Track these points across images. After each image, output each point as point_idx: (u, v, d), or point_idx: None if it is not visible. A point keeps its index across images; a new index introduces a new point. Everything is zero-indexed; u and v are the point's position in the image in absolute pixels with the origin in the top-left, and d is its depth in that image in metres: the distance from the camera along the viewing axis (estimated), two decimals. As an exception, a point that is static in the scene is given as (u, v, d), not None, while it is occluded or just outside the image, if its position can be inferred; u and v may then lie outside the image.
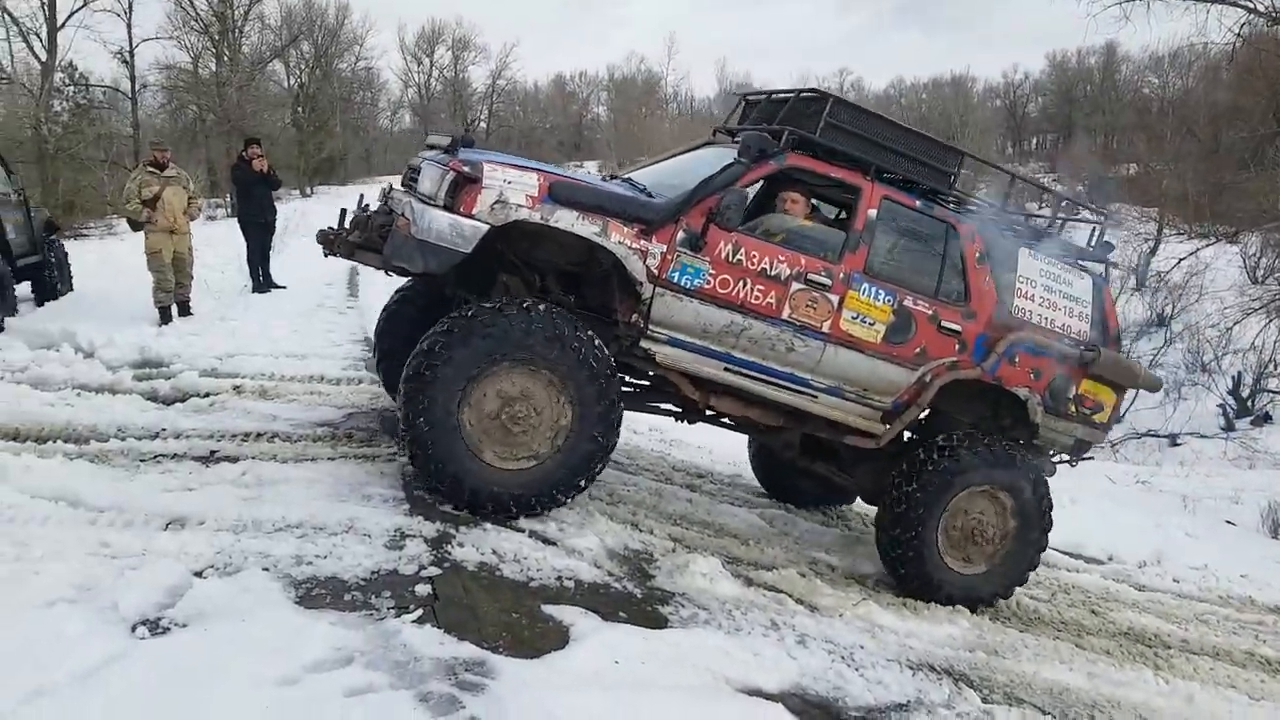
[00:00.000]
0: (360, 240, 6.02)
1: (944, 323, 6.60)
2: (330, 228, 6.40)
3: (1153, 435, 22.19)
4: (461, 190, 5.49)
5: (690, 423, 7.18)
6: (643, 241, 5.80)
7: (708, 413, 6.80)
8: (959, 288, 6.68)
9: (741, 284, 6.01)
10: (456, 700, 3.72)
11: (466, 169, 5.51)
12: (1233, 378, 23.49)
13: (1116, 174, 71.02)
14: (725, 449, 10.24)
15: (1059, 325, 6.97)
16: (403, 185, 6.47)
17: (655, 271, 5.89)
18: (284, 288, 16.44)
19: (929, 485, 6.58)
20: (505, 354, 5.43)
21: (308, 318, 14.03)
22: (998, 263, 6.82)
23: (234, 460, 6.39)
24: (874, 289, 6.35)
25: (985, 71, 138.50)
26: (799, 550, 7.48)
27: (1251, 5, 17.47)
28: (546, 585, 5.20)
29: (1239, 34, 18.55)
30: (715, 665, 4.62)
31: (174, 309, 12.99)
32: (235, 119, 39.14)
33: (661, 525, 6.91)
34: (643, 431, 10.78)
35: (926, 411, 6.85)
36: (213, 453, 6.62)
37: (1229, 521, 17.11)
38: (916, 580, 6.85)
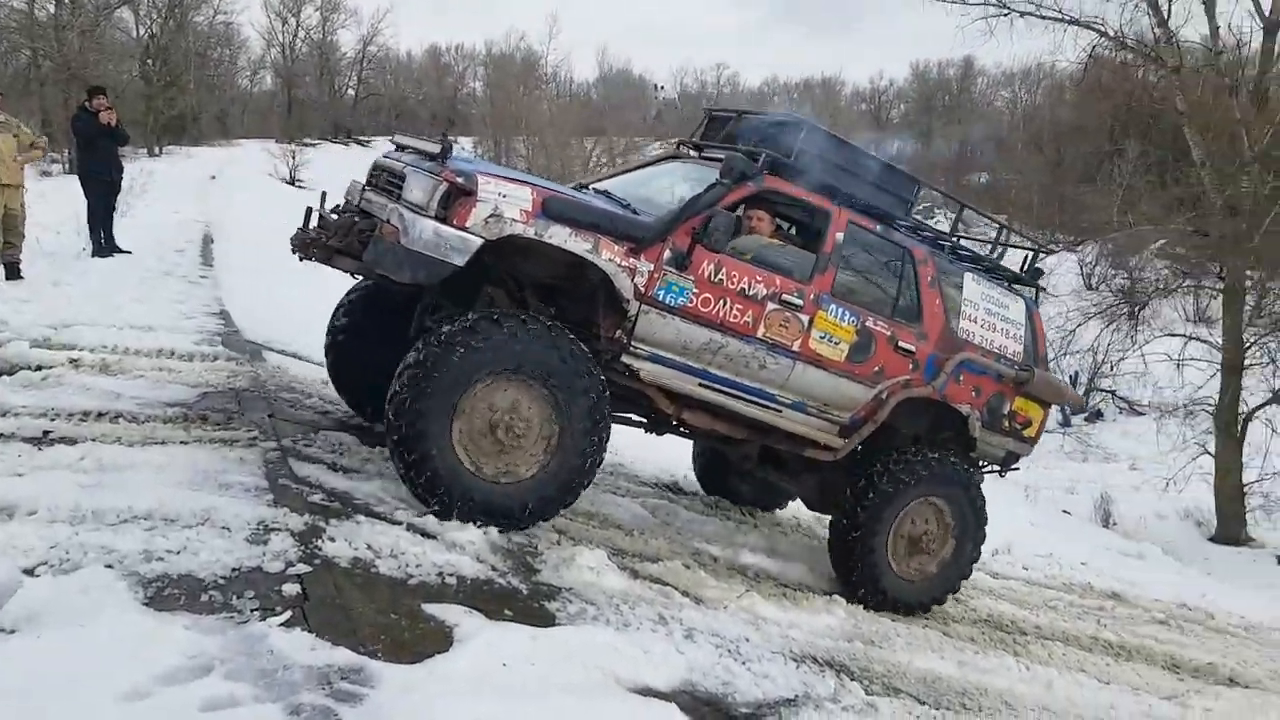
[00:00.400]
0: (340, 245, 5.83)
1: (900, 343, 6.93)
2: (302, 230, 6.21)
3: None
4: (455, 202, 5.40)
5: (659, 434, 7.28)
6: (632, 259, 5.85)
7: (676, 425, 6.92)
8: (913, 309, 7.06)
9: (722, 303, 6.16)
10: (331, 712, 3.40)
11: (460, 180, 5.41)
12: (1070, 376, 24.93)
13: (970, 182, 74.87)
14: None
15: (997, 346, 7.42)
16: (367, 184, 6.29)
17: (641, 289, 5.94)
18: (128, 253, 15.19)
19: (884, 495, 6.90)
20: (502, 366, 5.41)
21: (154, 286, 12.98)
22: (946, 286, 7.23)
23: (71, 442, 5.73)
24: (840, 310, 6.63)
25: (855, 76, 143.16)
26: (682, 541, 7.40)
27: (1103, 28, 18.50)
28: (427, 582, 4.87)
29: (1090, 54, 19.60)
30: (605, 663, 4.44)
31: (1, 271, 11.85)
32: (76, 67, 36.26)
33: (543, 516, 6.70)
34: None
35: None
36: (46, 433, 5.94)
37: (1066, 511, 18.21)
38: (867, 585, 7.14)
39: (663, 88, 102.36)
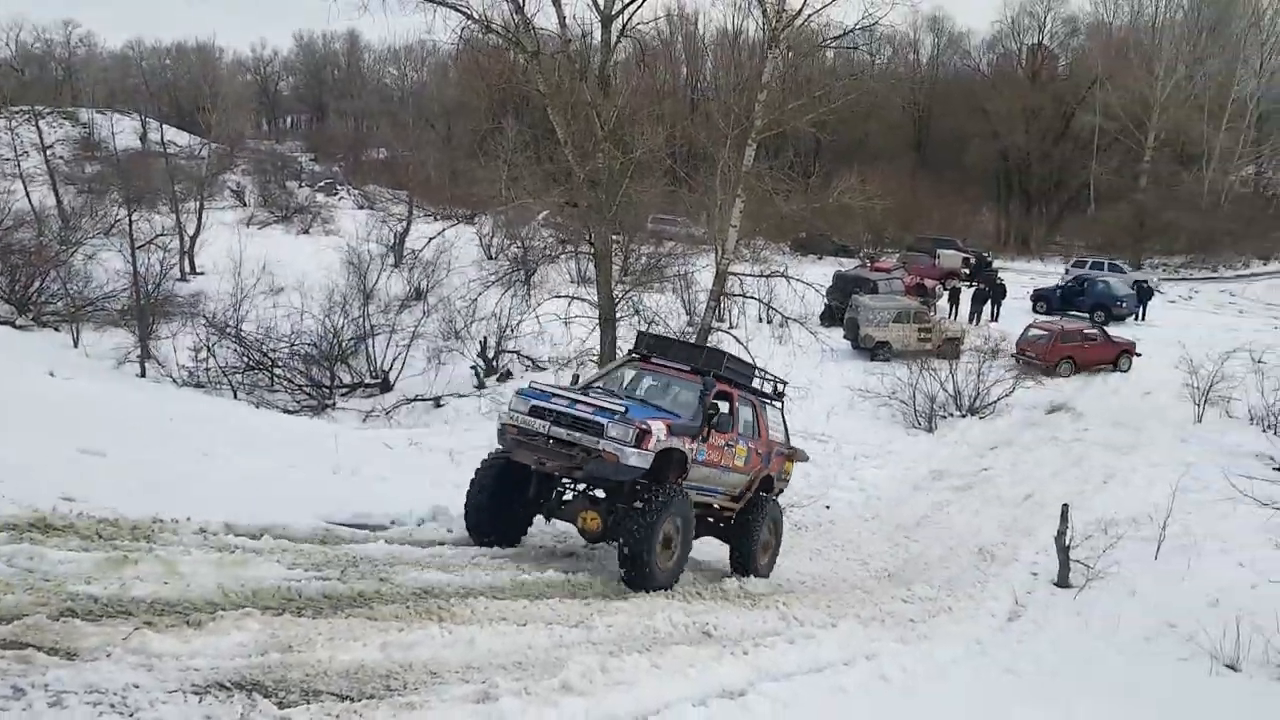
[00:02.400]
0: (567, 464, 10.29)
1: (757, 450, 12.59)
2: (524, 446, 10.53)
3: (420, 399, 24.04)
4: (643, 438, 10.00)
5: None
6: (690, 443, 10.89)
7: None
8: (756, 431, 12.76)
9: (714, 453, 11.44)
10: None
11: (645, 427, 10.04)
12: (480, 342, 26.55)
13: (369, 158, 75.56)
14: None
15: (778, 439, 13.42)
16: (550, 421, 10.35)
17: (692, 455, 10.91)
18: None
19: (754, 524, 12.60)
20: (673, 512, 10.38)
21: None
22: (763, 414, 13.10)
23: None
24: (743, 441, 12.22)
25: (233, 43, 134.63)
26: (53, 588, 6.29)
27: (469, 11, 19.43)
28: None
29: (460, 35, 20.57)
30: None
31: None
32: None
33: None
34: None
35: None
36: None
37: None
38: (747, 569, 12.41)
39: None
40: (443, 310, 28.32)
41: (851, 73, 40.46)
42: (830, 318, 31.17)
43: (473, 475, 11.16)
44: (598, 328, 20.72)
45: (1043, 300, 36.75)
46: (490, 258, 38.60)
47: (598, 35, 20.78)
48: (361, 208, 54.12)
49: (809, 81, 26.96)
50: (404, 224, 41.05)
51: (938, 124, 66.64)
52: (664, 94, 54.43)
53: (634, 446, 9.76)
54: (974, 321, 33.14)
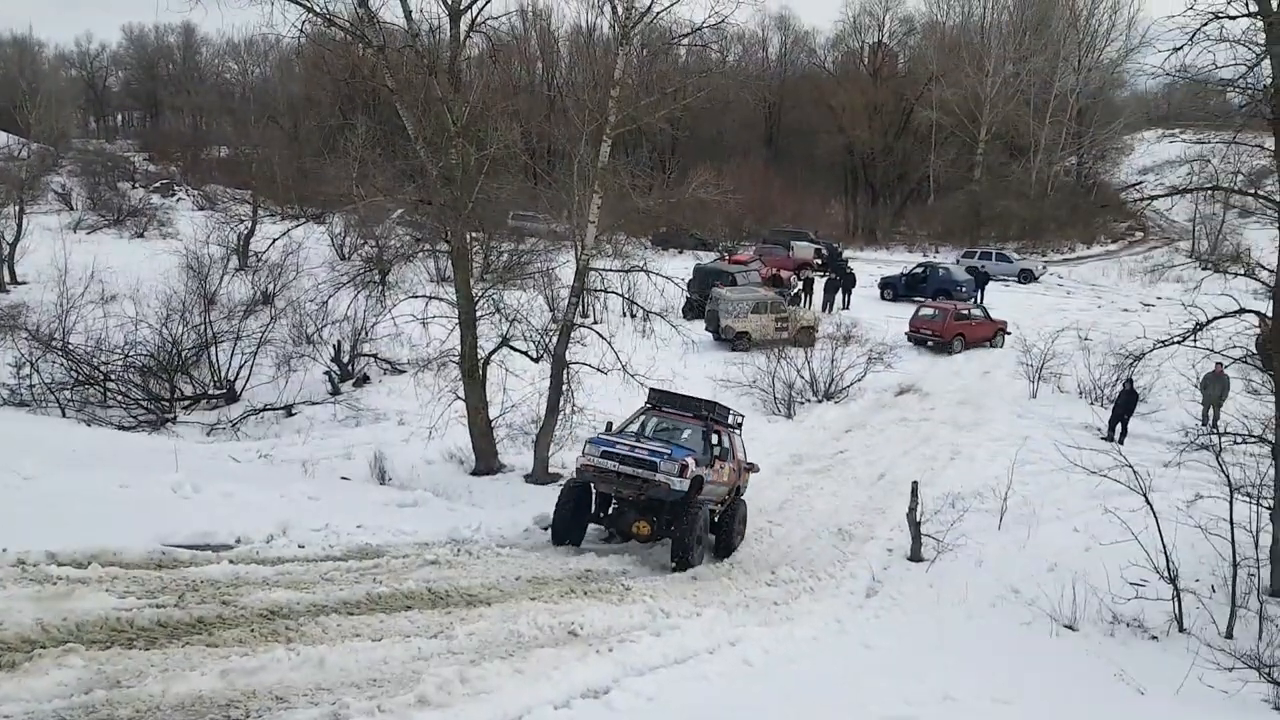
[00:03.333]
0: (638, 493, 13.99)
1: (733, 467, 16.10)
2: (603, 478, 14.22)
3: (270, 409, 22.99)
4: (683, 470, 13.89)
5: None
6: (704, 470, 14.59)
7: None
8: (731, 452, 16.10)
9: (714, 474, 15.11)
10: None
11: (685, 463, 13.95)
12: (334, 346, 25.59)
13: (209, 157, 72.03)
14: None
15: (741, 457, 16.73)
16: (617, 460, 14.06)
17: (705, 478, 14.69)
18: None
19: (732, 518, 15.70)
20: (703, 519, 14.68)
21: None
22: (735, 439, 16.54)
23: None
24: (725, 463, 15.70)
25: (55, 36, 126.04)
26: None
27: (309, 4, 18.65)
28: None
29: (301, 30, 19.72)
30: None
31: None
32: None
33: None
34: None
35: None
36: None
37: (344, 477, 18.68)
38: (729, 550, 15.46)
39: None
40: (292, 314, 27.17)
41: (703, 70, 41.01)
42: (692, 310, 31.56)
43: (557, 497, 14.79)
44: (457, 328, 20.29)
45: (889, 287, 38.24)
46: (343, 258, 37.34)
47: (447, 30, 20.33)
48: (201, 209, 51.44)
49: (662, 78, 27.15)
50: (248, 225, 39.26)
51: (788, 119, 68.39)
52: (519, 90, 54.08)
53: (678, 477, 13.83)
54: (827, 310, 34.15)
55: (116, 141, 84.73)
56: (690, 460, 14.03)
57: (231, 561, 9.63)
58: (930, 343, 29.99)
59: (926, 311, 31.07)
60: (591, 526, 15.19)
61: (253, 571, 9.33)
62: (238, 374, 24.48)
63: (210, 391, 24.37)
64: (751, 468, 17.10)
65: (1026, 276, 44.23)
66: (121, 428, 21.55)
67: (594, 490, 14.59)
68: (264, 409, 23.00)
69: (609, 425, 16.07)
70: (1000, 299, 37.69)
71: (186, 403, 23.88)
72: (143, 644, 6.51)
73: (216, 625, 7.29)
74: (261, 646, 6.83)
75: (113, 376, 23.30)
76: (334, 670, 6.52)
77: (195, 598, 8.06)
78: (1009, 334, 30.57)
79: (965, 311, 31.22)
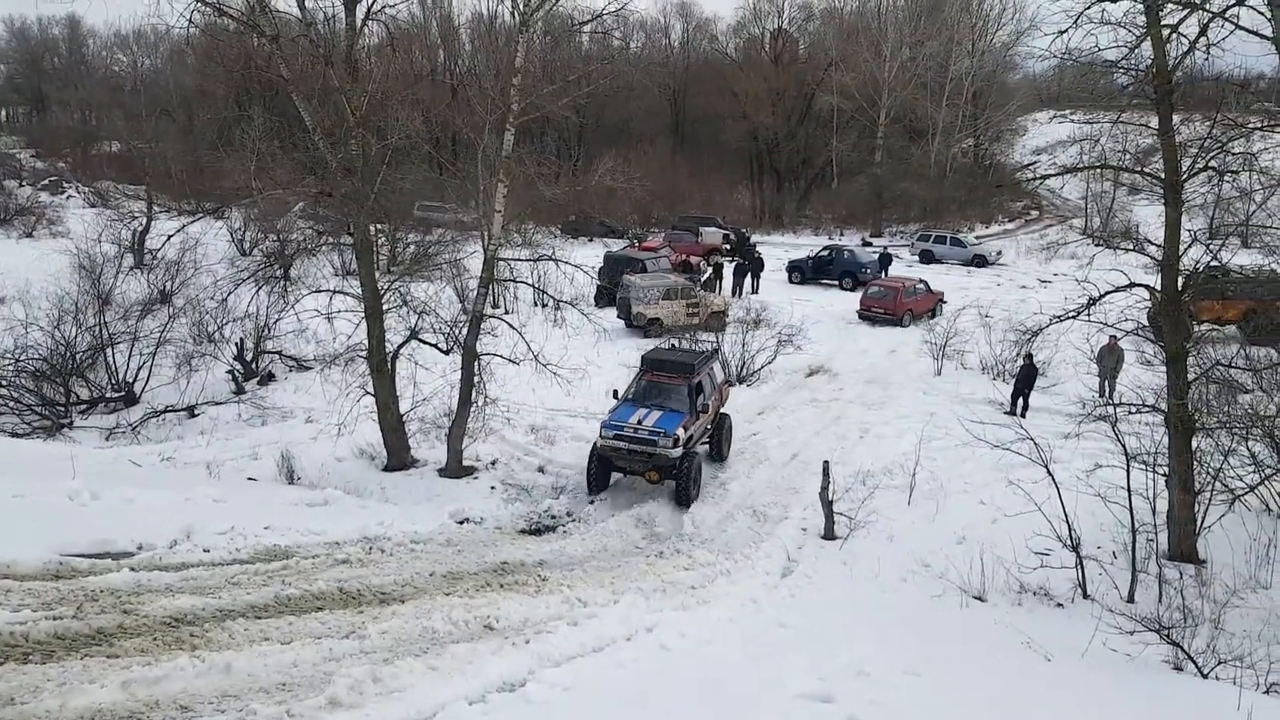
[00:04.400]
0: (645, 465, 17.15)
1: (715, 394, 19.34)
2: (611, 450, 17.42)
3: (171, 410, 22.24)
4: (676, 441, 16.91)
5: None
6: (693, 422, 17.72)
7: None
8: (713, 385, 19.48)
9: (701, 419, 18.26)
10: None
11: (678, 435, 16.95)
12: (236, 344, 24.85)
13: (100, 152, 69.02)
14: None
15: (720, 380, 20.13)
16: (619, 440, 17.26)
17: (694, 429, 17.90)
18: None
19: (724, 429, 19.70)
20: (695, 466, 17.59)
21: None
22: (717, 369, 20.24)
23: None
24: (709, 403, 18.76)
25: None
26: None
27: (193, -8, 17.93)
28: None
29: (190, 20, 19.00)
30: None
31: None
32: None
33: None
34: None
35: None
36: None
37: (251, 478, 18.20)
38: (719, 454, 19.39)
39: None
40: (192, 312, 26.28)
41: (606, 57, 40.95)
42: (603, 298, 31.57)
43: (586, 462, 17.87)
44: (364, 322, 19.91)
45: (797, 270, 38.87)
46: (244, 253, 36.29)
47: (344, 19, 19.86)
48: (93, 206, 49.33)
49: (565, 66, 27.02)
50: (143, 221, 37.80)
51: (693, 106, 68.71)
52: (420, 79, 53.13)
53: (673, 447, 16.92)
54: (736, 294, 34.53)
55: (1, 138, 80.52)
56: (680, 430, 17.14)
57: (133, 569, 9.33)
58: (880, 319, 31.63)
59: (875, 290, 32.73)
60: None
61: (155, 579, 9.04)
62: (136, 376, 23.63)
63: (108, 395, 23.48)
64: (729, 383, 21.76)
65: (979, 262, 43.90)
66: (14, 435, 20.63)
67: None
68: (165, 411, 22.25)
69: (615, 392, 19.16)
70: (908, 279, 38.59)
71: (83, 407, 22.96)
72: (39, 658, 6.27)
73: (117, 635, 7.06)
74: (165, 655, 6.64)
75: (3, 382, 22.23)
76: (241, 676, 6.38)
77: (95, 608, 7.79)
78: (945, 303, 32.73)
79: (911, 288, 32.85)
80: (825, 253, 39.44)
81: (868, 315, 32.11)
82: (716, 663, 8.58)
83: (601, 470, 17.81)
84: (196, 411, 22.57)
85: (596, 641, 8.23)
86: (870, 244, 46.70)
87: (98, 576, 8.91)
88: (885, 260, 39.46)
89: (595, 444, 17.79)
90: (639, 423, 17.37)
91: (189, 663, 6.45)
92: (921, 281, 34.33)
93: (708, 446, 19.21)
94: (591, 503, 17.05)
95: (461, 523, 15.05)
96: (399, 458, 19.23)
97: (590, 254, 36.99)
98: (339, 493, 16.51)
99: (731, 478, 18.51)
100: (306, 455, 18.80)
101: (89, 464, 16.77)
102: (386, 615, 8.39)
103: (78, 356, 23.47)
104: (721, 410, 19.96)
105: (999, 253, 46.05)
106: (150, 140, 53.90)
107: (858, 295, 35.89)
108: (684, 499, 17.12)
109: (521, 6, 18.62)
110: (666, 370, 18.81)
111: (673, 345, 22.67)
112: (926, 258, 43.17)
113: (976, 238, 47.70)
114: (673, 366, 18.88)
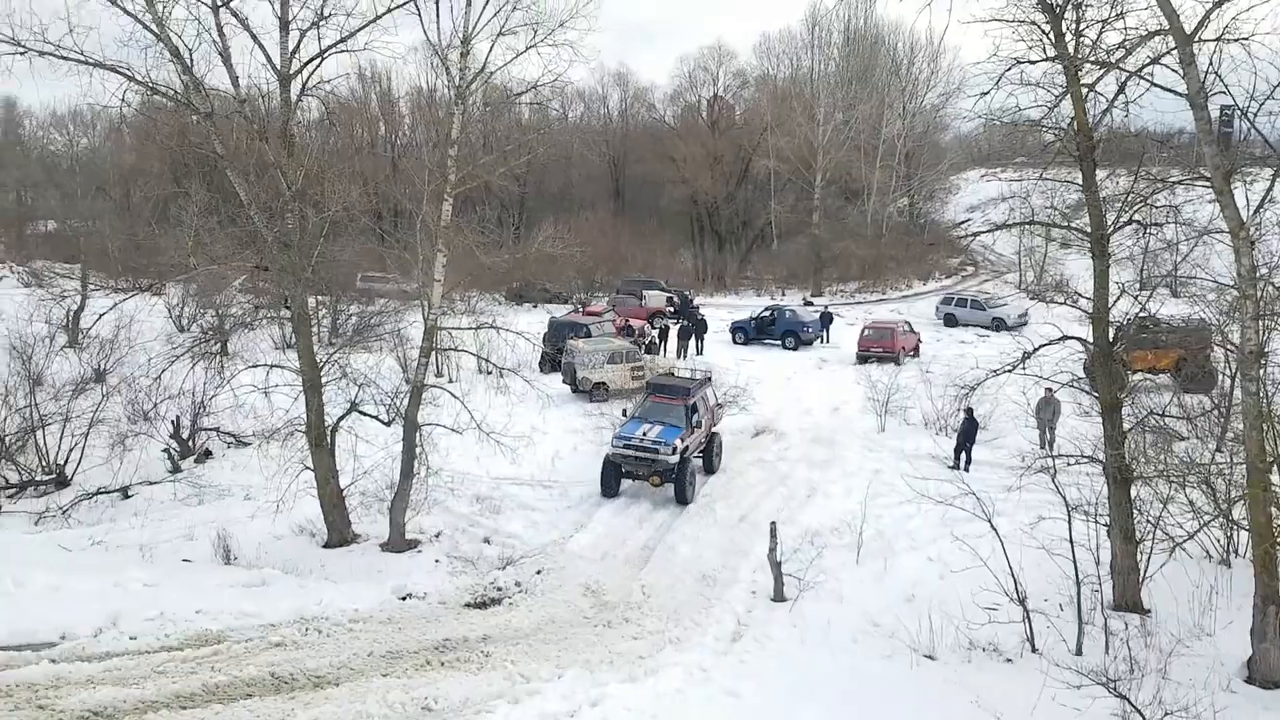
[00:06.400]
0: (649, 472, 20.62)
1: (708, 415, 22.77)
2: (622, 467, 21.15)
3: (104, 492, 21.55)
4: (675, 449, 20.61)
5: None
6: (690, 435, 21.30)
7: None
8: (706, 406, 22.79)
9: (696, 432, 21.78)
10: None
11: (676, 445, 20.63)
12: (172, 422, 24.26)
13: (34, 232, 67.79)
14: None
15: (713, 403, 23.48)
16: (630, 450, 20.99)
17: (690, 441, 21.48)
18: None
19: (715, 446, 22.98)
20: (690, 471, 21.21)
21: None
22: (709, 394, 23.52)
23: None
24: (703, 420, 22.34)
25: None
26: None
27: (129, 73, 17.86)
28: None
29: (123, 99, 18.87)
30: None
31: None
32: None
33: None
34: None
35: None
36: None
37: (186, 560, 17.62)
38: (710, 469, 22.71)
39: None
40: (126, 391, 25.64)
41: (544, 127, 41.45)
42: (548, 364, 31.47)
43: (601, 468, 21.07)
44: (302, 395, 19.57)
45: (740, 330, 39.18)
46: (181, 329, 35.66)
47: (276, 94, 19.88)
48: (27, 286, 48.20)
49: (503, 136, 27.26)
50: (77, 300, 37.06)
51: (633, 172, 69.61)
52: (360, 151, 53.23)
53: (672, 455, 20.26)
54: (681, 356, 34.66)
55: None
56: (678, 440, 20.56)
57: (53, 661, 8.89)
58: (882, 359, 33.80)
59: (872, 332, 35.54)
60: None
61: (76, 670, 8.63)
62: (68, 457, 22.94)
63: (37, 478, 22.73)
64: (721, 406, 24.56)
65: (998, 325, 40.82)
66: (-66, 523, 19.82)
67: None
68: (98, 493, 21.57)
69: (624, 410, 23.59)
70: (849, 337, 39.14)
71: (11, 491, 22.19)
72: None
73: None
74: (78, 756, 6.29)
75: (-74, 467, 21.43)
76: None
77: (7, 704, 7.39)
78: (922, 342, 36.54)
79: (902, 329, 35.92)
80: (767, 313, 39.83)
81: (866, 356, 34.24)
82: (662, 736, 8.39)
83: (613, 476, 21.02)
84: (130, 492, 21.93)
85: None
86: (811, 303, 47.31)
87: (15, 670, 8.49)
88: (827, 319, 39.98)
89: (607, 454, 21.27)
90: (644, 435, 20.82)
91: (104, 764, 6.11)
92: (906, 322, 36.98)
93: (701, 460, 22.32)
94: (538, 572, 16.70)
95: (404, 599, 14.64)
96: (340, 534, 18.79)
97: (534, 320, 36.98)
98: (277, 572, 16.07)
99: (680, 541, 18.36)
100: (244, 534, 18.29)
101: (14, 550, 16.15)
102: (319, 700, 8.08)
103: (6, 439, 22.74)
104: (714, 430, 23.06)
105: (1023, 314, 40.82)
106: (86, 219, 53.08)
107: (801, 354, 36.37)
108: (681, 498, 20.45)
109: (457, 80, 18.80)
110: (667, 393, 22.51)
111: (672, 373, 26.26)
112: (950, 321, 42.98)
113: (988, 301, 44.53)
114: (672, 390, 22.66)
